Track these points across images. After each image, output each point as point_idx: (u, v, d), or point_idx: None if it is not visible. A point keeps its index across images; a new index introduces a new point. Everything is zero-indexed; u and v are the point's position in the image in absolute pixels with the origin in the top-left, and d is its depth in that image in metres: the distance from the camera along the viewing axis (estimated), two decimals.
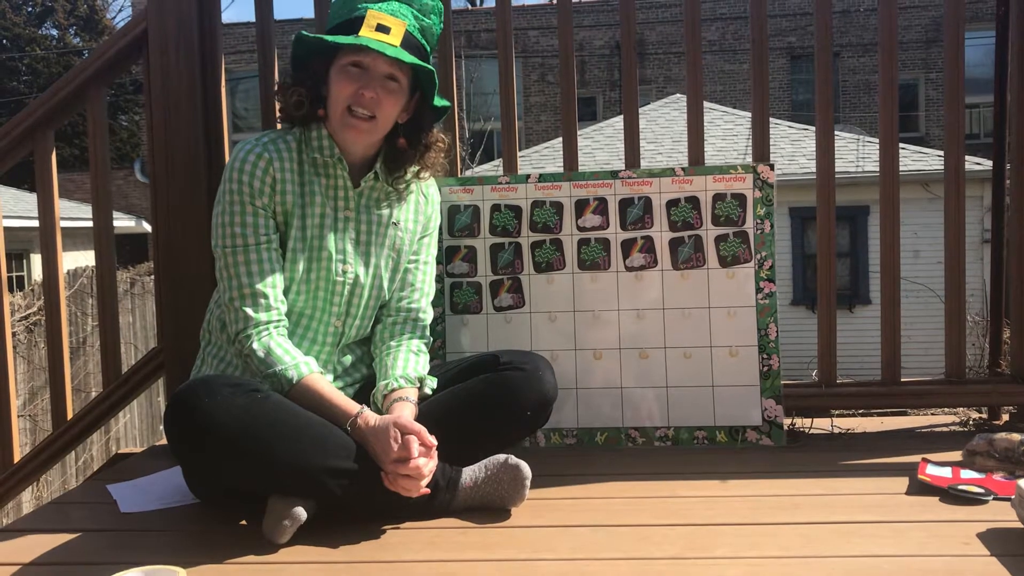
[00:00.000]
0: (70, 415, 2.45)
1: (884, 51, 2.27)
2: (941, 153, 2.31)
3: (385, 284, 1.97)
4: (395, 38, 1.82)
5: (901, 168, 2.33)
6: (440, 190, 2.28)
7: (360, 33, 1.80)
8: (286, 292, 1.88)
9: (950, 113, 2.27)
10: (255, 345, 1.79)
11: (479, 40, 17.18)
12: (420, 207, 2.03)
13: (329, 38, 1.82)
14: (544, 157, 12.73)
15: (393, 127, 1.91)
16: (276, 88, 1.96)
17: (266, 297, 1.82)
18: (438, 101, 1.94)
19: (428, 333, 2.03)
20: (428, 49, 1.92)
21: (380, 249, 1.96)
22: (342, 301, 1.92)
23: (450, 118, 2.35)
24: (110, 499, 1.95)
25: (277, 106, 1.97)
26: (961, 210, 2.27)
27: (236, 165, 1.84)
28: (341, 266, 1.91)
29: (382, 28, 1.81)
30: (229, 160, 1.87)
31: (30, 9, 27.12)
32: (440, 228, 2.27)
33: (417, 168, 1.97)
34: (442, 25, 1.98)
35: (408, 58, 1.81)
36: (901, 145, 10.30)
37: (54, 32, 27.65)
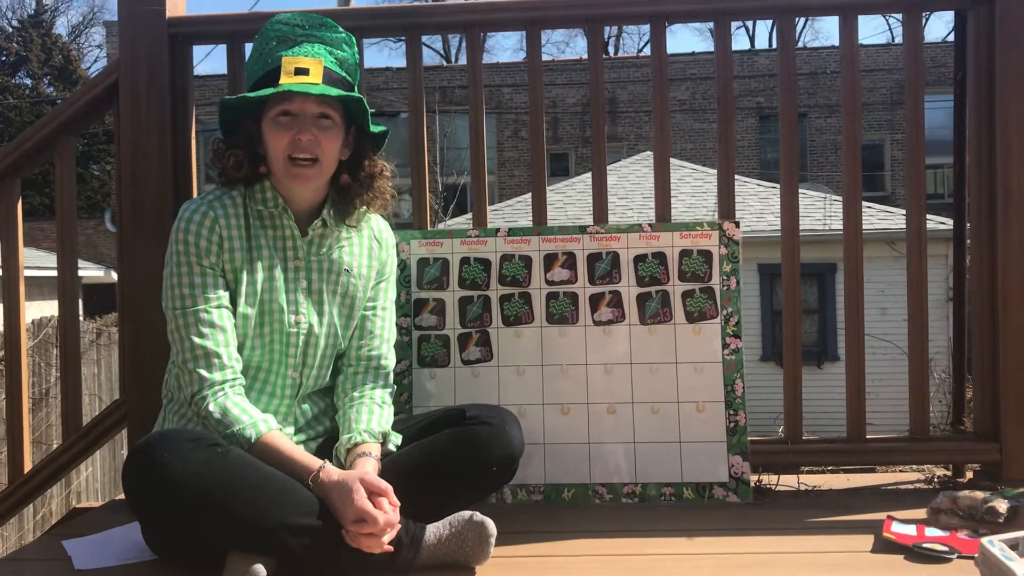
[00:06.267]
0: (28, 467, 2.40)
1: (847, 113, 2.33)
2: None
3: (340, 332, 1.96)
4: (316, 77, 1.83)
5: (867, 227, 2.37)
6: (410, 243, 2.29)
7: (280, 81, 1.81)
8: (240, 347, 1.87)
9: (911, 175, 2.32)
10: (211, 406, 1.77)
11: (453, 96, 17.36)
12: (374, 251, 2.02)
13: (252, 94, 1.83)
14: (517, 211, 12.81)
15: (337, 166, 1.91)
16: (211, 155, 1.93)
17: (219, 357, 1.80)
18: (374, 127, 1.94)
19: (392, 380, 2.02)
20: (352, 81, 1.94)
21: (333, 297, 1.95)
22: (297, 352, 1.91)
23: (421, 168, 2.37)
24: (66, 555, 1.90)
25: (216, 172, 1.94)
26: (923, 271, 2.30)
27: (181, 226, 1.84)
28: (294, 317, 1.89)
29: (300, 71, 1.82)
30: (175, 221, 1.87)
31: (3, 58, 27.12)
32: (408, 280, 2.28)
33: (367, 200, 1.96)
34: (357, 56, 1.99)
35: (334, 92, 1.82)
36: (867, 204, 10.51)
37: (28, 81, 27.64)
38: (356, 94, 1.87)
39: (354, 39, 1.98)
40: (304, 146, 1.82)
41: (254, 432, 1.74)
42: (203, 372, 1.79)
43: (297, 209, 1.92)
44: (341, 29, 1.95)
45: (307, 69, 1.83)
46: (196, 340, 1.80)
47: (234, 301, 1.86)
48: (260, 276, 1.88)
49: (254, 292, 1.87)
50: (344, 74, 1.91)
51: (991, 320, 2.27)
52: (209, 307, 1.82)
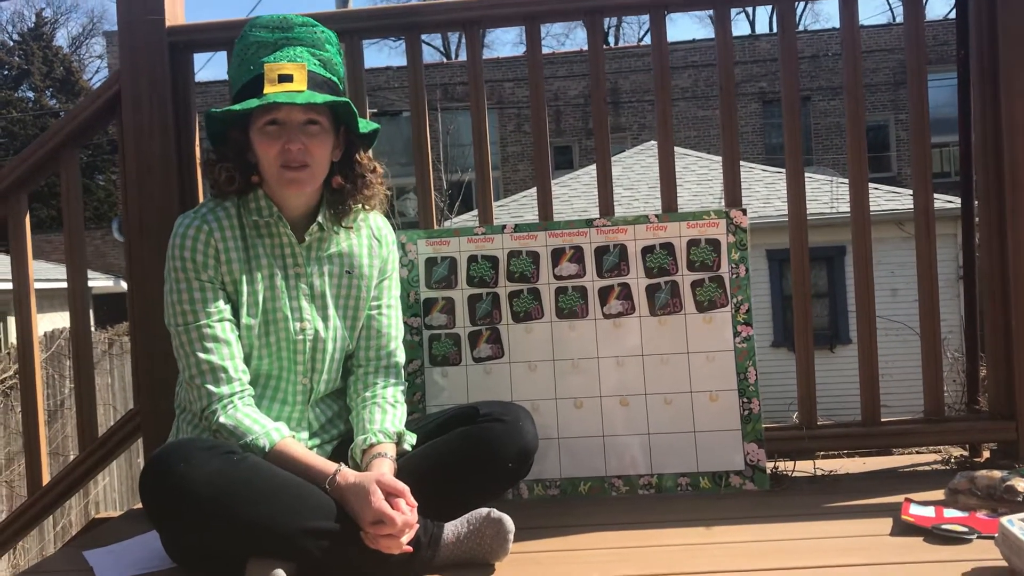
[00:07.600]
0: (46, 480, 2.41)
1: (850, 95, 2.32)
2: None
3: (347, 335, 1.96)
4: (300, 83, 1.81)
5: (875, 208, 2.36)
6: (416, 243, 2.29)
7: (264, 91, 1.79)
8: (248, 357, 1.87)
9: (917, 156, 2.31)
10: (222, 419, 1.77)
11: (455, 92, 17.35)
12: (374, 250, 2.01)
13: (237, 107, 1.80)
14: (523, 206, 12.81)
15: (329, 167, 1.90)
16: (203, 167, 1.92)
17: (226, 370, 1.81)
18: (365, 127, 1.92)
19: (403, 377, 2.02)
20: (338, 80, 1.91)
21: (337, 300, 1.95)
22: (306, 359, 1.91)
23: (424, 167, 2.37)
24: (87, 566, 1.91)
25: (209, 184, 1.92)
26: (933, 249, 2.29)
27: (177, 242, 1.84)
28: (298, 324, 1.89)
29: (284, 78, 1.80)
30: (171, 237, 1.86)
31: (6, 72, 27.22)
32: (417, 279, 2.28)
33: (362, 199, 1.95)
34: (341, 54, 1.97)
35: (320, 98, 1.80)
36: (874, 185, 10.46)
37: (30, 94, 27.74)
38: (342, 98, 1.84)
39: (336, 36, 1.96)
40: (294, 156, 1.81)
41: (267, 441, 1.74)
42: (211, 387, 1.79)
43: (292, 215, 1.91)
44: (322, 27, 1.92)
45: (291, 75, 1.80)
46: (201, 356, 1.81)
47: (236, 312, 1.86)
48: (260, 286, 1.87)
49: (256, 302, 1.87)
50: (329, 75, 1.89)
51: (1002, 297, 2.26)
52: (211, 321, 1.82)
